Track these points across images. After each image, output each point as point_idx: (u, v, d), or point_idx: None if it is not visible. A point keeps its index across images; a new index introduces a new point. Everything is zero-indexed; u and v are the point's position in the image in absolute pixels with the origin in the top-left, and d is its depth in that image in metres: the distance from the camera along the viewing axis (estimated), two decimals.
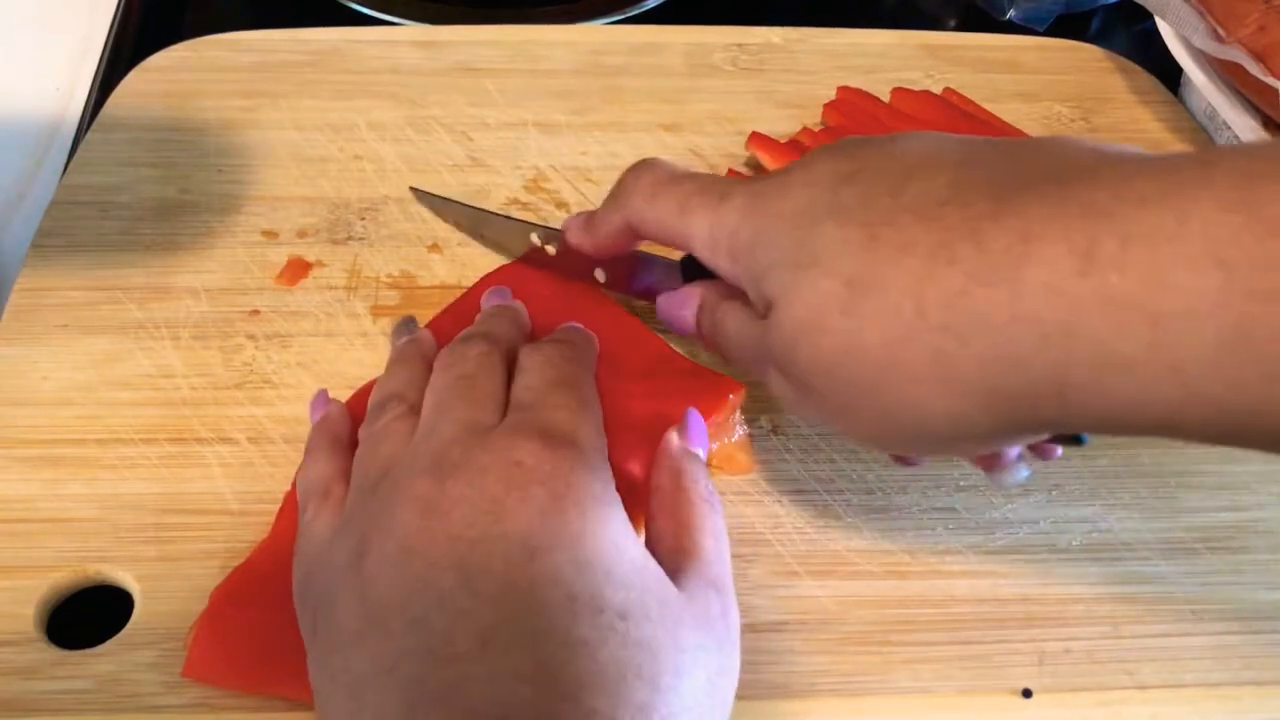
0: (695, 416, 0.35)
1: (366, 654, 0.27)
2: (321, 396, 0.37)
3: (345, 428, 0.36)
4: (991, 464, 0.33)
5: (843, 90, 0.52)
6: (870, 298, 0.26)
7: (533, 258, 0.42)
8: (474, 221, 0.45)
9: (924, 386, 0.26)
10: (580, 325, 0.39)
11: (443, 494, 0.29)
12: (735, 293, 0.32)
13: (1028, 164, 0.26)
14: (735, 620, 0.30)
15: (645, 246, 0.37)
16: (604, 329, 0.39)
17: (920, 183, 0.27)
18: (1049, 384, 0.24)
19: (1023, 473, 0.33)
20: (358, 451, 0.34)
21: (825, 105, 0.51)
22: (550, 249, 0.41)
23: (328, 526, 0.31)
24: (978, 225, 0.25)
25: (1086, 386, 0.24)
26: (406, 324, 0.40)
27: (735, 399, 0.38)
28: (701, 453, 0.35)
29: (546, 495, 0.29)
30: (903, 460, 0.36)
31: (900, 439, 0.29)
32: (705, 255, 0.32)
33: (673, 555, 0.30)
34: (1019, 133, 0.50)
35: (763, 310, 0.30)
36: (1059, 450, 0.34)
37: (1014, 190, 0.25)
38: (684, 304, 0.35)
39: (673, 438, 0.34)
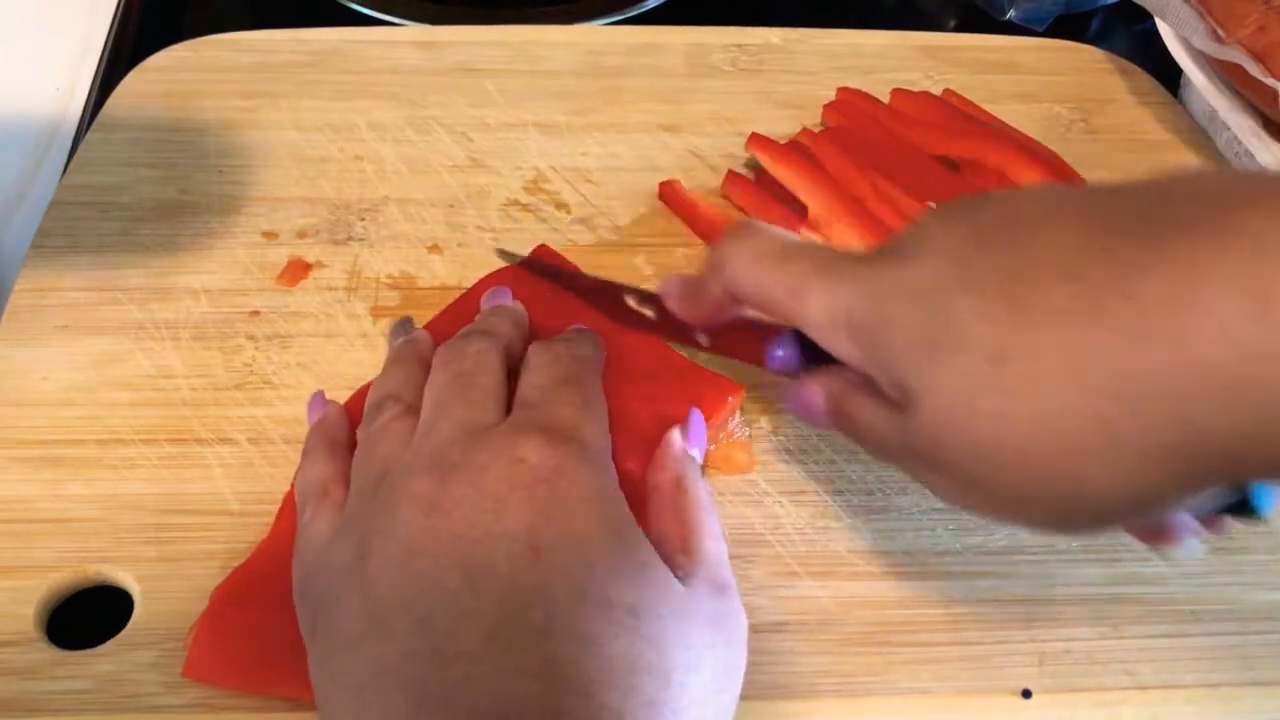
0: (698, 418, 0.35)
1: (369, 655, 0.27)
2: (318, 398, 0.37)
3: (343, 429, 0.36)
4: (1160, 538, 0.30)
5: (842, 91, 0.52)
6: (1018, 371, 0.24)
7: (628, 319, 0.39)
8: (561, 279, 0.42)
9: (1090, 458, 0.24)
10: (586, 328, 0.39)
11: (444, 493, 0.29)
12: (861, 379, 0.29)
13: (1163, 202, 0.24)
14: (743, 620, 0.30)
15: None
16: (604, 331, 0.39)
17: (1050, 236, 0.25)
18: (1220, 434, 0.22)
19: (1195, 546, 0.29)
20: (356, 453, 0.34)
21: (825, 106, 0.51)
22: (648, 312, 0.39)
23: (327, 528, 0.31)
24: (1126, 276, 0.23)
25: (1263, 434, 0.22)
26: (403, 325, 0.40)
27: (735, 400, 0.38)
28: (698, 454, 0.35)
29: (550, 493, 0.29)
30: (1069, 536, 0.34)
31: (1073, 517, 0.26)
32: (824, 340, 0.29)
33: (677, 557, 0.30)
34: (1019, 133, 0.50)
35: (898, 399, 0.27)
36: (1231, 523, 0.30)
37: (1159, 232, 0.23)
38: (810, 397, 0.32)
39: (675, 439, 0.34)
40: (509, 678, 0.25)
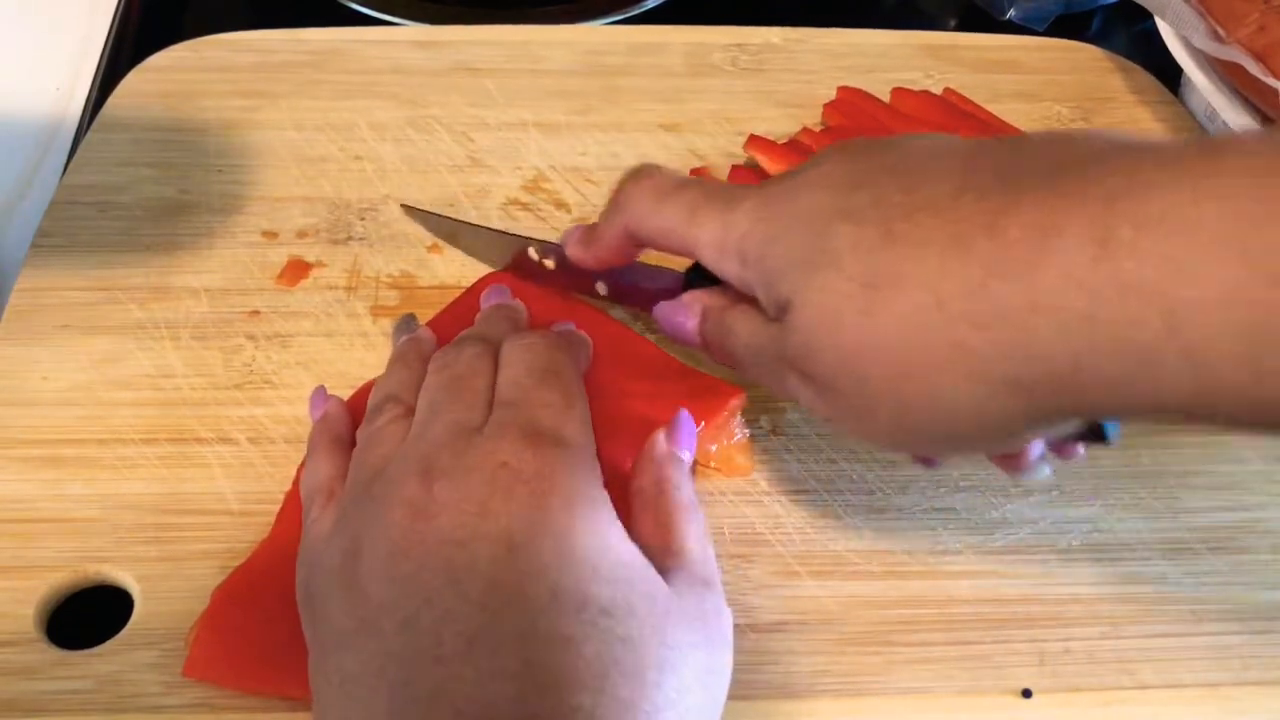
0: (685, 419, 0.35)
1: (358, 655, 0.27)
2: (319, 393, 0.37)
3: (345, 425, 0.36)
4: (1013, 464, 0.33)
5: (843, 90, 0.52)
6: (888, 294, 0.26)
7: (530, 272, 0.42)
8: (467, 235, 0.44)
9: (946, 380, 0.26)
10: (573, 326, 0.39)
11: (430, 497, 0.29)
12: (742, 298, 0.32)
13: (1038, 156, 0.26)
14: (727, 619, 0.30)
15: (647, 257, 0.36)
16: (605, 330, 0.39)
17: (932, 179, 0.27)
18: (1069, 373, 0.24)
19: (1045, 470, 0.33)
20: (354, 452, 0.34)
21: (825, 105, 0.51)
22: (549, 263, 0.41)
23: (329, 527, 0.31)
24: (993, 217, 0.25)
25: (1106, 375, 0.24)
26: (406, 322, 0.41)
27: (736, 403, 0.38)
28: (687, 456, 0.35)
29: (529, 494, 0.29)
30: (924, 461, 0.36)
31: (923, 437, 0.28)
32: (713, 260, 0.31)
33: (660, 556, 0.30)
34: (1019, 132, 0.50)
35: (776, 313, 0.29)
36: (1081, 450, 0.33)
37: (1027, 181, 0.25)
38: (686, 311, 0.34)
39: (660, 440, 0.35)
40: (487, 680, 0.25)
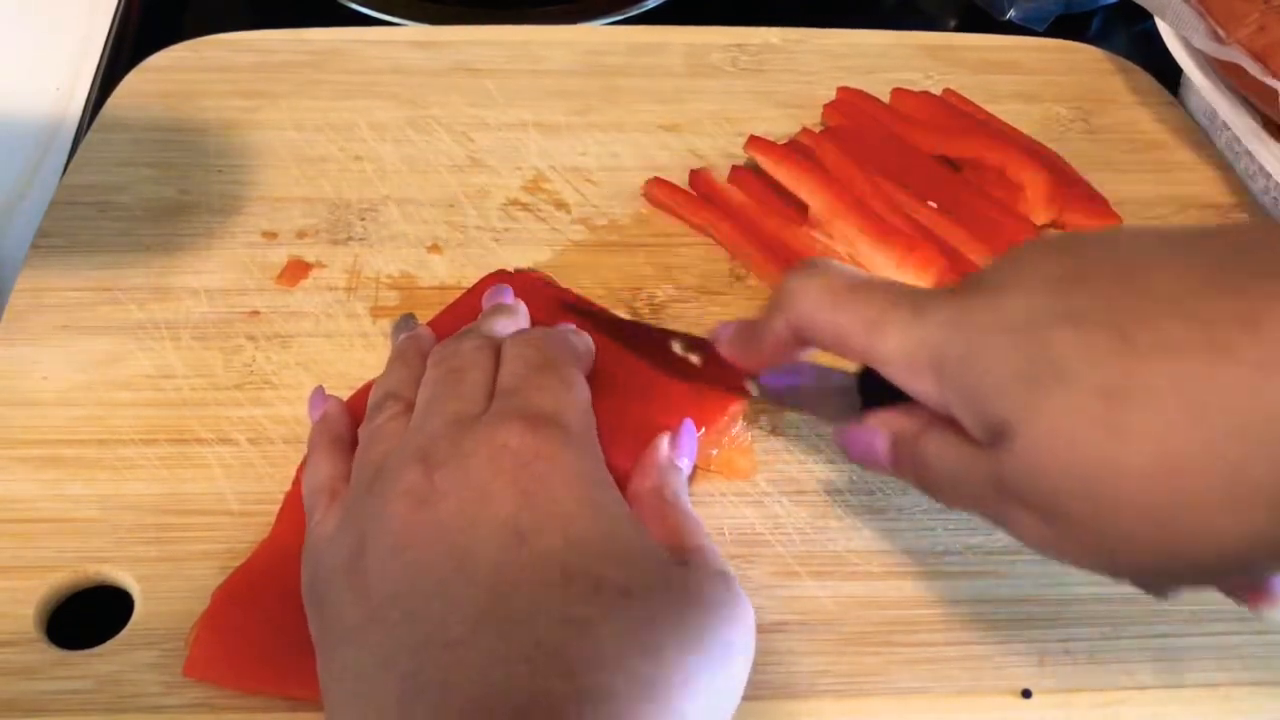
0: (688, 428, 0.35)
1: (366, 648, 0.27)
2: (318, 394, 0.37)
3: (345, 425, 0.36)
4: (1260, 597, 0.27)
5: (843, 91, 0.52)
6: (1134, 409, 0.23)
7: (675, 368, 0.37)
8: (607, 328, 0.40)
9: (1213, 504, 0.22)
10: (574, 328, 0.38)
11: (432, 486, 0.29)
12: (934, 419, 0.28)
13: (1266, 245, 0.24)
14: (748, 606, 0.29)
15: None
16: (604, 340, 0.39)
17: (1158, 273, 0.24)
18: None
19: None
20: (357, 451, 0.34)
21: (825, 105, 0.52)
22: (694, 359, 0.37)
23: (333, 527, 0.31)
24: (1247, 313, 0.22)
25: None
26: (406, 321, 0.41)
27: (737, 408, 0.38)
28: (686, 464, 0.35)
29: (532, 476, 0.29)
30: (1165, 592, 0.29)
31: (1185, 568, 0.24)
32: (902, 378, 0.28)
33: (675, 554, 0.30)
34: (1018, 132, 0.50)
35: (988, 437, 0.26)
36: None
37: (1272, 271, 0.23)
38: (875, 437, 0.30)
39: (662, 446, 0.35)
40: (497, 664, 0.25)
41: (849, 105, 0.51)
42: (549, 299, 0.41)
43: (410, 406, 0.34)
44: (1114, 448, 0.23)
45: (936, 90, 0.53)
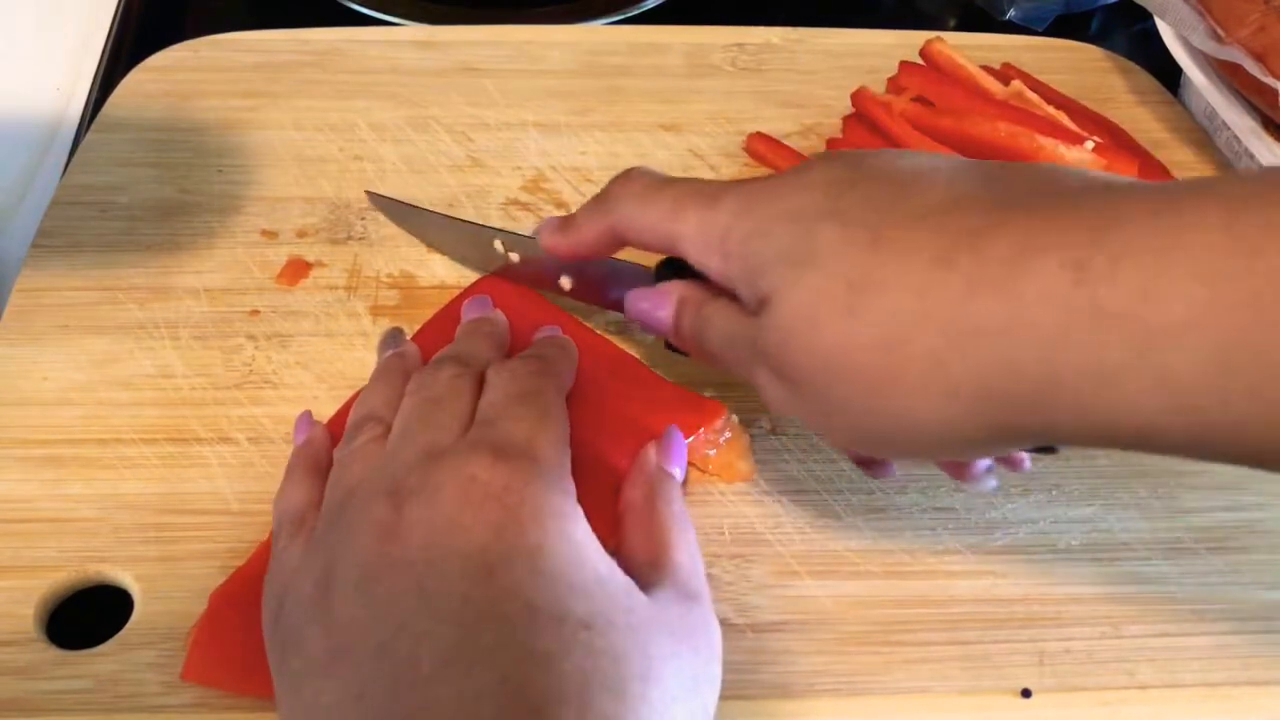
0: (676, 435, 0.35)
1: (335, 683, 0.27)
2: (305, 419, 0.37)
3: (326, 453, 0.35)
4: (961, 473, 0.34)
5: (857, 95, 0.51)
6: (872, 298, 0.26)
7: (493, 265, 0.41)
8: (432, 227, 0.44)
9: (917, 388, 0.26)
10: (558, 331, 0.38)
11: (400, 519, 0.29)
12: (720, 292, 0.32)
13: (1026, 182, 0.27)
14: (715, 631, 0.30)
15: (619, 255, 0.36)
16: (589, 343, 0.39)
17: (922, 190, 0.27)
18: (1038, 392, 0.25)
19: (991, 483, 0.34)
20: (331, 472, 0.33)
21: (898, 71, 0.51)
22: (514, 256, 0.40)
23: (299, 556, 0.31)
24: (978, 235, 0.25)
25: (1075, 395, 0.24)
26: (392, 336, 0.40)
27: (720, 423, 0.38)
28: (679, 471, 0.35)
29: (501, 509, 0.28)
30: (871, 466, 0.36)
31: (887, 441, 0.29)
32: (695, 254, 0.31)
33: (647, 570, 0.30)
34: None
35: (755, 307, 0.30)
36: (1028, 461, 0.35)
37: (1010, 205, 0.26)
38: (662, 300, 0.34)
39: (650, 454, 0.35)
40: (465, 701, 0.25)
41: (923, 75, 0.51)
42: (530, 304, 0.41)
43: (389, 429, 0.33)
44: (846, 327, 0.27)
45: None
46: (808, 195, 0.29)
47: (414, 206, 0.44)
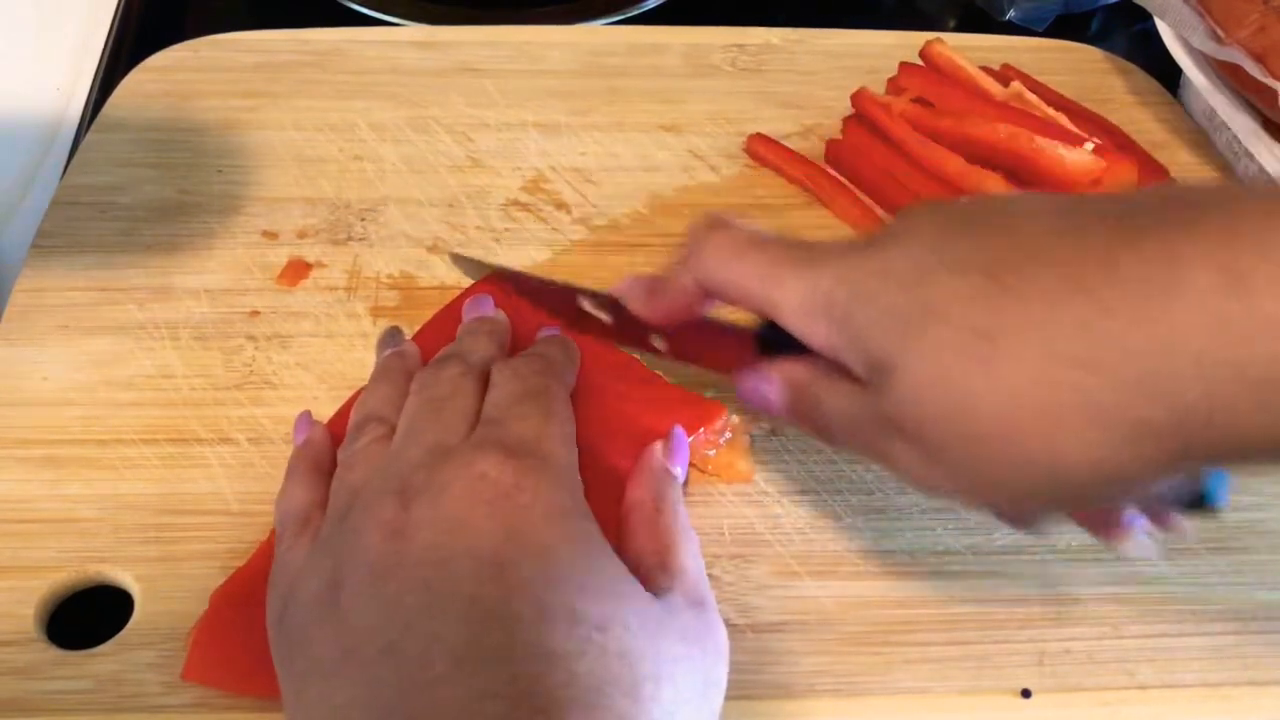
0: (680, 436, 0.35)
1: (344, 684, 0.27)
2: (304, 419, 0.37)
3: (327, 453, 0.35)
4: (1112, 532, 0.31)
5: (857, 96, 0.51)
6: (1004, 343, 0.25)
7: (584, 324, 0.38)
8: (514, 284, 0.41)
9: (1066, 428, 0.25)
10: (557, 331, 0.38)
11: (408, 518, 0.29)
12: (828, 367, 0.30)
13: (1133, 202, 0.26)
14: (722, 637, 0.30)
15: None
16: (591, 347, 0.39)
17: (1034, 226, 0.26)
18: (1199, 410, 0.23)
19: (1145, 544, 0.30)
20: (335, 474, 0.33)
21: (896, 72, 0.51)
22: (603, 316, 0.37)
23: (304, 556, 0.31)
24: (1108, 256, 0.24)
25: (1239, 409, 0.23)
26: (391, 336, 0.40)
27: (721, 423, 0.38)
28: (680, 472, 0.35)
29: (510, 509, 0.28)
30: (1023, 521, 0.31)
31: (1041, 492, 0.26)
32: (796, 324, 0.29)
33: (653, 573, 0.30)
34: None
35: (871, 376, 0.28)
36: (1181, 521, 0.30)
37: (1138, 221, 0.24)
38: (770, 383, 0.32)
39: (656, 454, 0.34)
40: (475, 701, 0.25)
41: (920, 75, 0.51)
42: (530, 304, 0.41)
43: (392, 430, 0.33)
44: (981, 380, 0.25)
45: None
46: (911, 250, 0.27)
47: (501, 268, 0.42)
